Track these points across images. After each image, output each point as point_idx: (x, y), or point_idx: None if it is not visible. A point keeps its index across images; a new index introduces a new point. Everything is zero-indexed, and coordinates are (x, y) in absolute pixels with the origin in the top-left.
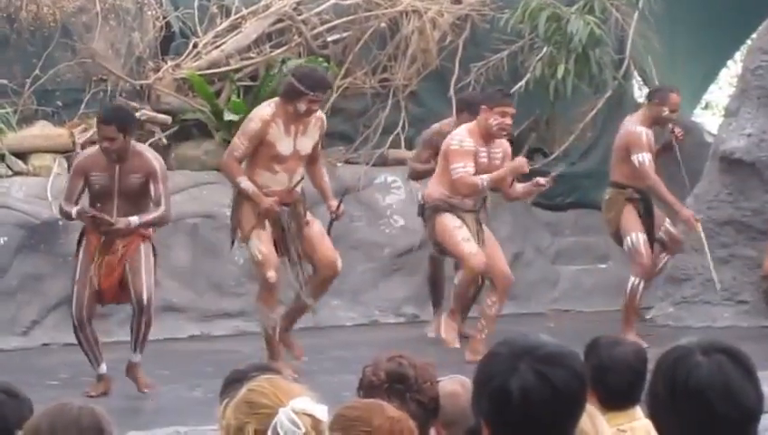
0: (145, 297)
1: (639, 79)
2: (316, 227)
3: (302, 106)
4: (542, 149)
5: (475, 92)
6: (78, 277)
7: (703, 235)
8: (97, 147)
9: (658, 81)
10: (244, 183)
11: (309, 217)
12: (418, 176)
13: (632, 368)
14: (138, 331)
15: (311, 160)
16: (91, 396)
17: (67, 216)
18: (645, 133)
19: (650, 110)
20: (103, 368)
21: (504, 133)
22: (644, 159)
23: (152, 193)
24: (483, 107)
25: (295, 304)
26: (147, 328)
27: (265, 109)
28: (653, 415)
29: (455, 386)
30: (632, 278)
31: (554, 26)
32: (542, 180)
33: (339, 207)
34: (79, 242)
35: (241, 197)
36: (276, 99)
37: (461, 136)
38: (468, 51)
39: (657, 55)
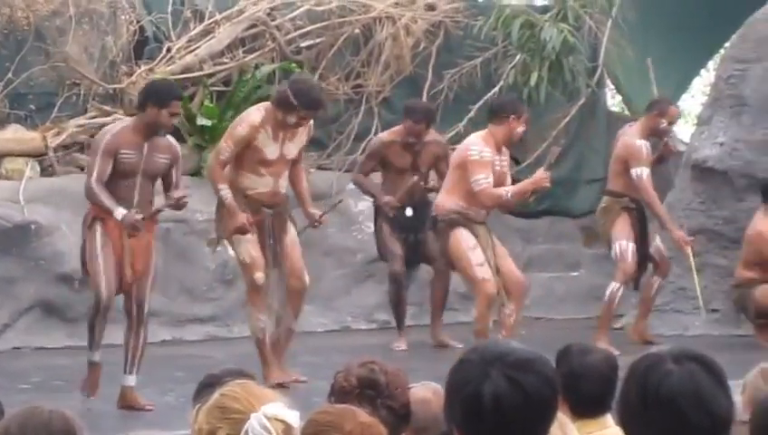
0: (146, 308)
1: (612, 87)
2: (292, 234)
3: (292, 120)
4: (514, 157)
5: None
6: (103, 261)
7: (692, 259)
8: (124, 124)
9: (631, 89)
10: (224, 192)
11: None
12: (364, 191)
13: (603, 376)
14: (136, 347)
15: (293, 163)
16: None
17: (94, 197)
18: (644, 147)
19: (649, 121)
20: (98, 356)
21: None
22: (642, 173)
23: (173, 177)
24: (512, 116)
25: (278, 329)
26: (145, 343)
27: (255, 114)
28: (624, 423)
29: (426, 393)
30: (612, 284)
31: (528, 34)
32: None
33: (322, 216)
34: (90, 224)
35: (212, 179)
36: (267, 104)
37: (479, 146)
38: (442, 57)
39: (630, 63)
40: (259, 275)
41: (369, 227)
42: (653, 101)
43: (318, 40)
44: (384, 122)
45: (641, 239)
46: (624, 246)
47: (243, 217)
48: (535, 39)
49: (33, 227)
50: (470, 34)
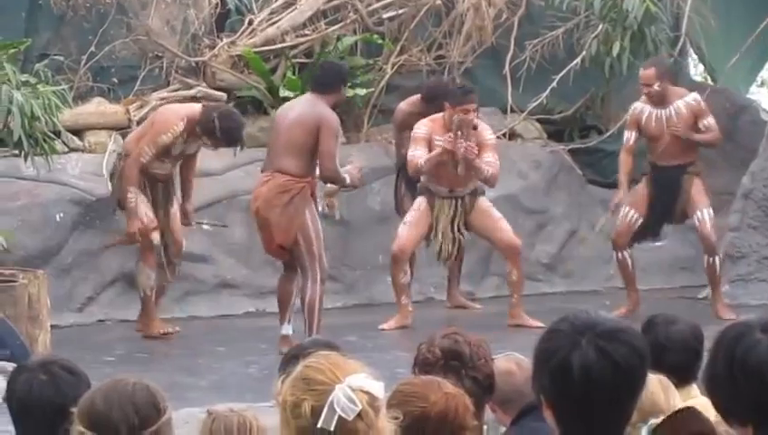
0: None
1: (695, 56)
2: (175, 206)
3: (209, 144)
4: (597, 127)
5: (438, 84)
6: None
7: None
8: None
9: (713, 59)
10: (131, 195)
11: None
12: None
13: (689, 346)
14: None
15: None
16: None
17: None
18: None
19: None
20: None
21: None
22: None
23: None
24: (446, 104)
25: (158, 283)
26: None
27: (178, 124)
28: (711, 392)
29: (510, 365)
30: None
31: (610, 3)
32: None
33: (199, 223)
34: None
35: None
36: (189, 111)
37: (421, 122)
38: (523, 28)
39: (712, 33)
40: (155, 236)
41: None
42: None
43: (400, 11)
44: (465, 86)
45: (661, 209)
46: (624, 211)
47: (137, 226)
48: (617, 9)
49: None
50: (552, 5)
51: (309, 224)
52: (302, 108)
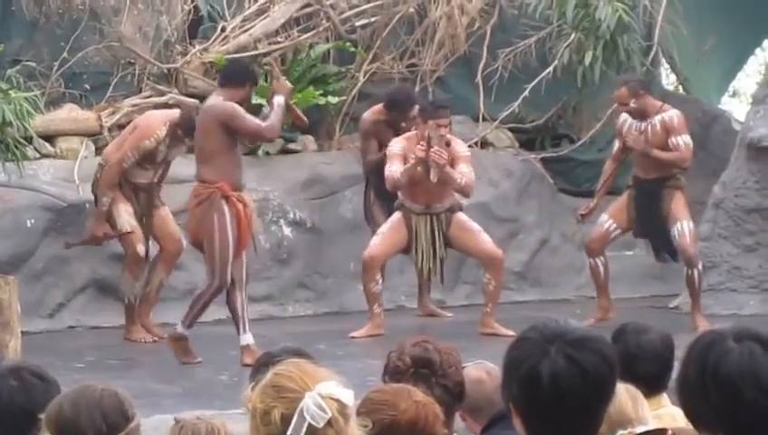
0: None
1: (667, 66)
2: (164, 208)
3: (191, 142)
4: (569, 136)
5: (400, 91)
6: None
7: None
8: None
9: (685, 68)
10: (106, 199)
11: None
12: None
13: (660, 355)
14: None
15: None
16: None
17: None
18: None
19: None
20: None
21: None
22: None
23: None
24: (418, 119)
25: (149, 287)
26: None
27: (161, 128)
28: (682, 401)
29: (480, 373)
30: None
31: (582, 13)
32: None
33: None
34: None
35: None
36: (168, 117)
37: (396, 140)
38: (496, 37)
39: (685, 42)
40: (140, 248)
41: None
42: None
43: (372, 19)
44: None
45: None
46: (602, 218)
47: (103, 230)
48: (590, 18)
49: (87, 206)
50: (525, 13)
51: (215, 231)
52: (201, 114)
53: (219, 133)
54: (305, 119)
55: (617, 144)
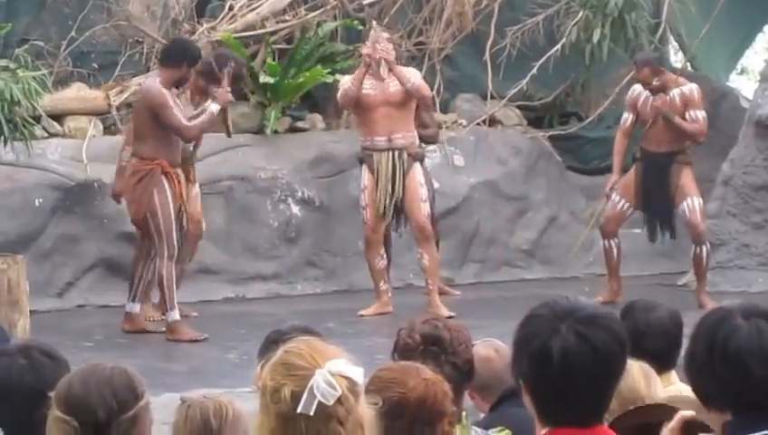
0: None
1: (675, 43)
2: (195, 190)
3: (214, 89)
4: (577, 113)
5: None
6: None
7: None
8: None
9: (693, 46)
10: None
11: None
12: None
13: (668, 332)
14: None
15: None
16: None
17: (195, 128)
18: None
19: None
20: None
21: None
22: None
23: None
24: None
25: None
26: None
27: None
28: (691, 378)
29: (488, 351)
30: None
31: None
32: None
33: None
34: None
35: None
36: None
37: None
38: (504, 14)
39: (693, 20)
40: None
41: (435, 184)
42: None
43: None
44: (446, 80)
45: (655, 192)
46: (613, 198)
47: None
48: None
49: (96, 185)
50: None
51: (156, 203)
52: (138, 94)
53: (151, 116)
54: (231, 133)
55: (628, 117)
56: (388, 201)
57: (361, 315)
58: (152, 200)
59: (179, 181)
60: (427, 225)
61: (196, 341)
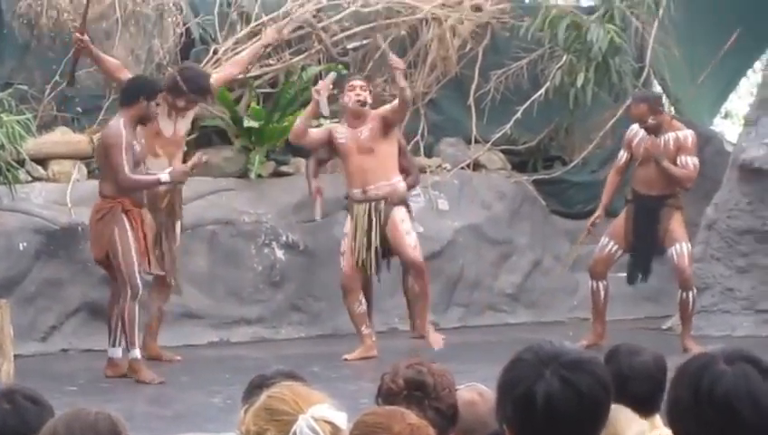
0: None
1: (659, 87)
2: (178, 227)
3: (181, 103)
4: (561, 157)
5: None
6: (135, 253)
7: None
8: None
9: (677, 90)
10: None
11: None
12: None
13: (652, 377)
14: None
15: None
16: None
17: (137, 183)
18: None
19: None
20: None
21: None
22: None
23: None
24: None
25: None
26: None
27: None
28: (673, 423)
29: (473, 395)
30: None
31: (574, 34)
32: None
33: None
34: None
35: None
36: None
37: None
38: (488, 59)
39: (676, 64)
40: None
41: (416, 228)
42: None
43: (364, 41)
44: (430, 124)
45: (644, 234)
46: (603, 241)
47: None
48: (582, 40)
49: (80, 229)
50: (516, 35)
51: (117, 241)
52: (100, 133)
53: (105, 155)
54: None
55: (623, 155)
56: (365, 254)
57: (346, 360)
58: (113, 238)
59: (142, 221)
60: (418, 260)
61: (151, 383)
